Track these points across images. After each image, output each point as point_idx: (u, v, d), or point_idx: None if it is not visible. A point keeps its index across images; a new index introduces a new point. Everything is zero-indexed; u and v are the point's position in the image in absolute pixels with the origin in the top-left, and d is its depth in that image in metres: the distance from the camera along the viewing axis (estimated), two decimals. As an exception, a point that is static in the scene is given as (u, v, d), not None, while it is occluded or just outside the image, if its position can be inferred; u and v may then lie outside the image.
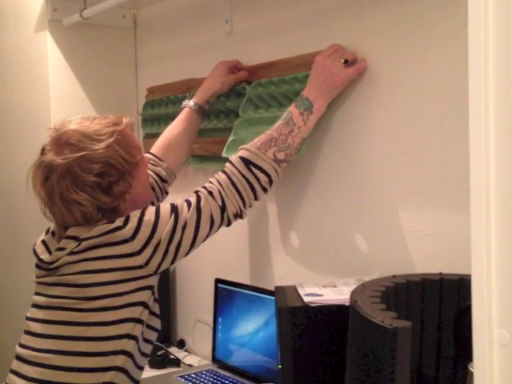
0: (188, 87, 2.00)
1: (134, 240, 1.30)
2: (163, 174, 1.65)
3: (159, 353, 2.00)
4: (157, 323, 1.41)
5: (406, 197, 1.41)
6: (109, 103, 2.27)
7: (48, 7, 2.16)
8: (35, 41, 2.25)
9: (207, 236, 1.39)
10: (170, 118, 2.04)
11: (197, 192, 1.40)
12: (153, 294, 1.36)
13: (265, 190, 1.44)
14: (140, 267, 1.31)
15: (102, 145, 1.32)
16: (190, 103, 1.75)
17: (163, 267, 1.34)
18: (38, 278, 1.39)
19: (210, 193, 1.39)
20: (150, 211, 1.34)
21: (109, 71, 2.30)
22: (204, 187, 1.41)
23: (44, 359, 1.30)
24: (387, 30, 1.43)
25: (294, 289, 1.33)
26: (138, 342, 1.34)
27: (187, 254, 1.37)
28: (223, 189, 1.39)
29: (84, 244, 1.30)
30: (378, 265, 1.46)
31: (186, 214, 1.35)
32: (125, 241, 1.30)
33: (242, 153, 1.43)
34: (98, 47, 2.28)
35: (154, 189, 1.60)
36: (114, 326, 1.30)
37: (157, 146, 1.70)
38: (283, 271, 1.76)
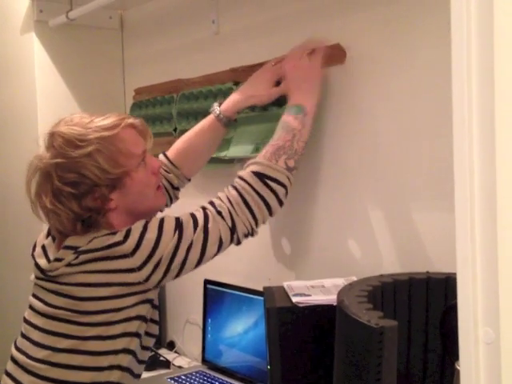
0: (175, 88, 2.00)
1: (134, 256, 1.24)
2: (175, 182, 1.56)
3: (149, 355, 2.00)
4: (155, 329, 1.37)
5: (393, 197, 1.41)
6: (96, 104, 2.25)
7: (34, 8, 2.15)
8: (21, 42, 2.24)
9: (215, 255, 1.31)
10: (158, 118, 2.04)
11: (204, 209, 1.31)
12: (152, 305, 1.32)
13: (281, 203, 1.35)
14: (139, 283, 1.26)
15: (80, 152, 1.24)
16: (217, 111, 1.54)
17: (165, 282, 1.29)
18: (37, 278, 1.34)
19: (219, 212, 1.30)
20: (153, 226, 1.26)
21: (96, 72, 2.29)
22: (212, 204, 1.32)
23: (39, 370, 1.27)
24: (374, 30, 1.43)
25: (282, 289, 1.33)
26: (135, 355, 1.30)
27: (193, 269, 1.31)
28: (233, 208, 1.30)
29: (82, 257, 1.25)
30: (366, 264, 1.47)
31: (191, 232, 1.27)
32: (124, 256, 1.24)
33: (253, 168, 1.34)
34: (85, 48, 2.27)
35: None
36: (110, 341, 1.26)
37: (174, 151, 1.58)
38: (272, 272, 1.76)
